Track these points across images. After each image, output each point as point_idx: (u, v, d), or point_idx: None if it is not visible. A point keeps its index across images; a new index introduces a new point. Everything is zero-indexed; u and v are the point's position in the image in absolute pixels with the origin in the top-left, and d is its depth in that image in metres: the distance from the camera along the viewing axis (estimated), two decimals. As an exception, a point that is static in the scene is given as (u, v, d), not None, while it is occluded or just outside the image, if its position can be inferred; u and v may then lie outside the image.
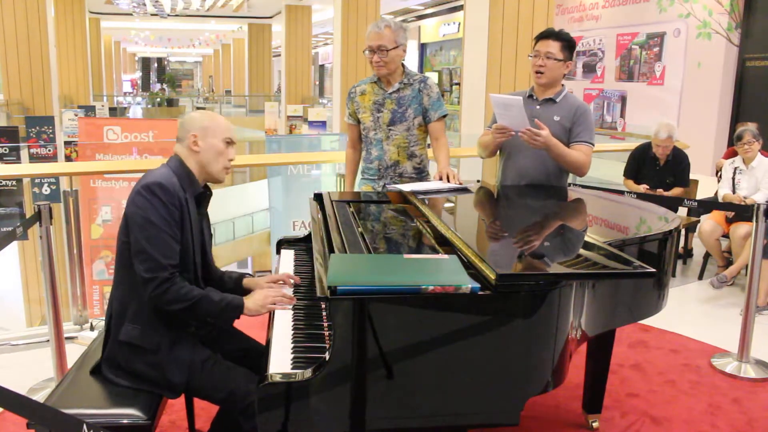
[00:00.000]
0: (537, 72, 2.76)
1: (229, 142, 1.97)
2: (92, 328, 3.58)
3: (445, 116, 3.02)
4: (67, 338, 3.14)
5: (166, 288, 1.77)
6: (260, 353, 1.93)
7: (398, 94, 2.98)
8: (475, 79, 7.82)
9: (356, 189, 3.16)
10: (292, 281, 2.07)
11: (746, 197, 4.57)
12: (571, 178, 2.98)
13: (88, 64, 17.61)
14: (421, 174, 3.08)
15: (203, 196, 2.00)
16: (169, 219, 1.81)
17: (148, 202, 1.80)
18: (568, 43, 2.75)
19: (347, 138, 3.22)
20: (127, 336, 1.84)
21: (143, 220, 1.79)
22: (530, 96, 2.84)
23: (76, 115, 8.69)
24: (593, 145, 2.79)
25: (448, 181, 2.78)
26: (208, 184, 2.03)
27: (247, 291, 2.03)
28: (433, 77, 21.44)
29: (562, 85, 2.84)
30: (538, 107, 2.78)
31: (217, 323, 2.00)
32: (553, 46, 2.72)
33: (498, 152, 2.97)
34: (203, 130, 1.93)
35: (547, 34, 2.76)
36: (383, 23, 2.87)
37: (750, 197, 4.53)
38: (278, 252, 2.46)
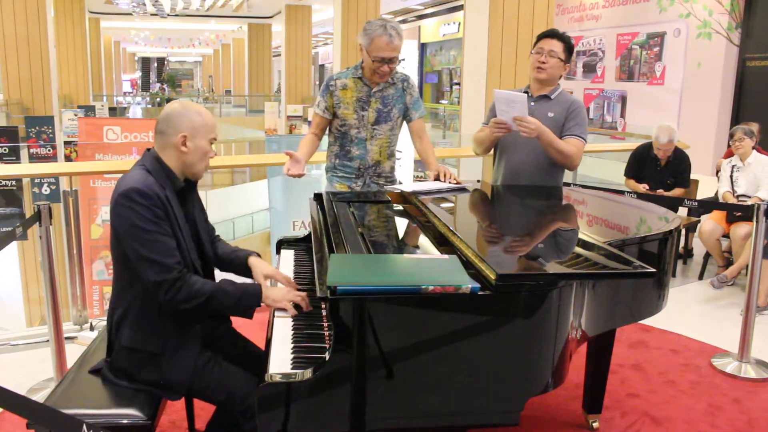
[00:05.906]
0: (538, 67, 2.79)
1: (213, 141, 1.90)
2: (92, 328, 3.58)
3: (423, 116, 3.01)
4: (66, 338, 3.14)
5: (179, 288, 1.74)
6: (260, 355, 1.92)
7: (383, 93, 2.91)
8: (475, 79, 7.82)
9: (329, 188, 3.02)
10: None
11: (743, 195, 4.59)
12: (570, 178, 2.99)
13: (88, 64, 17.63)
14: (394, 173, 3.06)
15: (186, 191, 1.92)
16: (156, 219, 1.75)
17: (129, 209, 1.73)
18: (568, 46, 2.81)
19: (310, 126, 3.03)
20: (130, 341, 1.83)
21: (132, 229, 1.73)
22: (525, 92, 2.86)
23: (75, 115, 8.67)
24: (585, 140, 2.80)
25: (447, 180, 2.77)
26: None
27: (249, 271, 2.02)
28: (432, 77, 21.37)
29: (558, 83, 2.86)
30: (533, 104, 2.80)
31: (236, 314, 1.95)
32: (557, 46, 2.77)
33: (493, 150, 2.98)
34: (194, 130, 1.84)
35: (551, 34, 2.81)
36: (393, 31, 2.72)
37: (753, 196, 4.54)
38: (278, 252, 2.46)
